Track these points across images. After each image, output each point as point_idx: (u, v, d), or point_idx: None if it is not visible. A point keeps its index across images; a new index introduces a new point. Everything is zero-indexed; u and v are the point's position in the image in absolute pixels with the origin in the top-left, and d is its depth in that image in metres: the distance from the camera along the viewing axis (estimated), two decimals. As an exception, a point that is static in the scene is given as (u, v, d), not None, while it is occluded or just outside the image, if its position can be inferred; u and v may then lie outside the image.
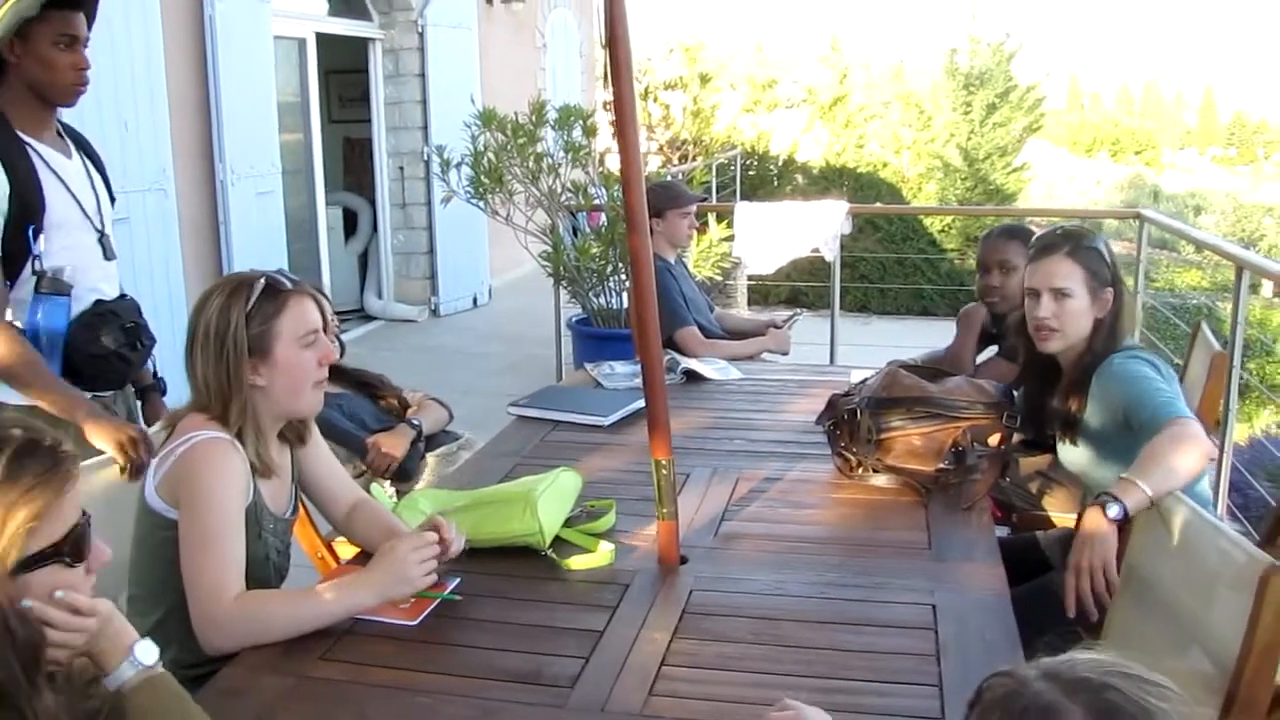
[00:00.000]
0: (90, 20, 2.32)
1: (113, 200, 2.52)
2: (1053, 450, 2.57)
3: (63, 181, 2.31)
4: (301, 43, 7.50)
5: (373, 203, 8.73)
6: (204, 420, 1.79)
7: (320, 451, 2.05)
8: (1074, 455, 2.42)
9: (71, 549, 1.19)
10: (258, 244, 6.35)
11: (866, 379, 2.50)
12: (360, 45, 8.34)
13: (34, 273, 2.24)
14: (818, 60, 18.91)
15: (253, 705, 1.48)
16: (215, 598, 1.64)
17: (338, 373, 2.91)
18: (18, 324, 2.21)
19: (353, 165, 9.20)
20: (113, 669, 1.27)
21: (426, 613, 1.73)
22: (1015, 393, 2.60)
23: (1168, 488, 1.94)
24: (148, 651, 1.29)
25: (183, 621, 1.67)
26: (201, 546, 1.68)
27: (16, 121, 2.26)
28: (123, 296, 2.46)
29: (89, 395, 2.27)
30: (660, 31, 16.46)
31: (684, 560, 1.95)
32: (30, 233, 2.21)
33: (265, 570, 1.87)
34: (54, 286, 2.24)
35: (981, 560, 1.96)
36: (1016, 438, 2.48)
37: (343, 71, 8.84)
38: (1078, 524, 2.02)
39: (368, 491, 2.79)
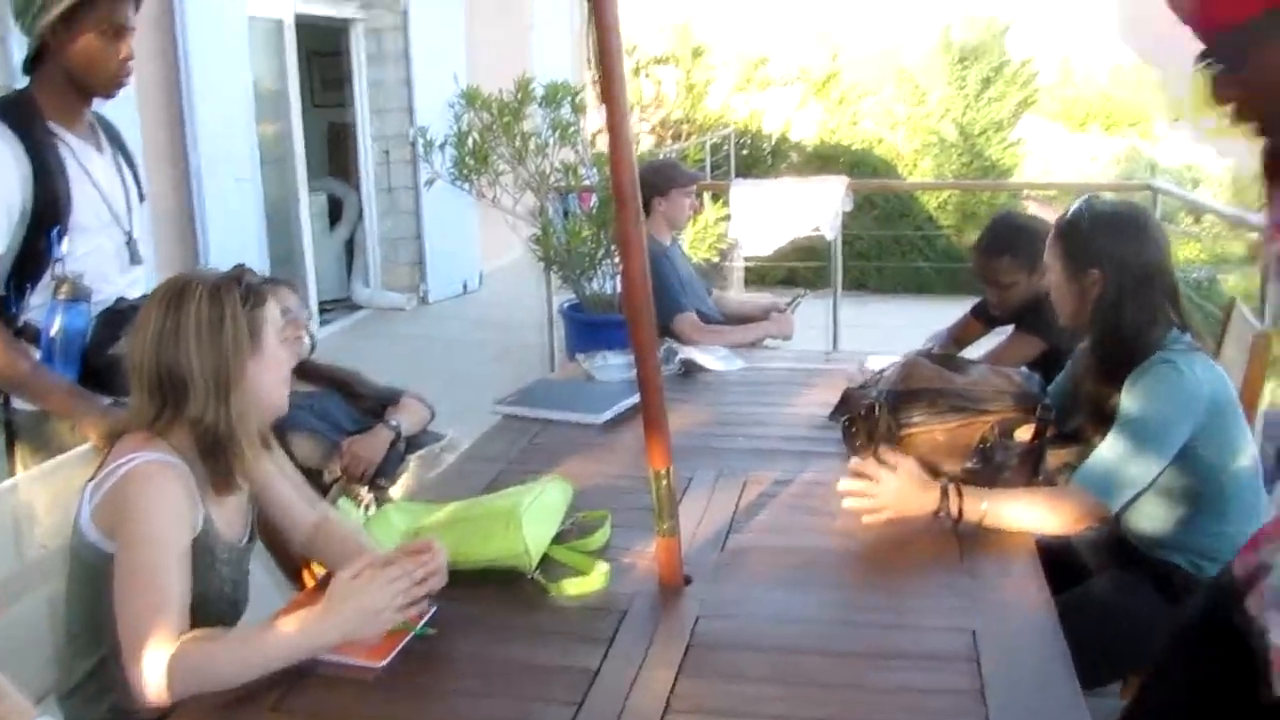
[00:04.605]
0: (137, 7, 2.13)
1: (142, 198, 2.33)
2: (1080, 442, 2.37)
3: (92, 180, 2.14)
4: (279, 24, 7.22)
5: (358, 188, 8.49)
6: (145, 439, 1.58)
7: (279, 463, 1.84)
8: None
9: None
10: (235, 234, 6.13)
11: (884, 369, 2.29)
12: (341, 26, 8.07)
13: (53, 277, 2.07)
14: (813, 36, 18.72)
15: (190, 772, 1.27)
16: (151, 647, 1.41)
17: (308, 370, 2.70)
18: (34, 326, 2.09)
19: (337, 151, 8.94)
20: None
21: (395, 651, 1.52)
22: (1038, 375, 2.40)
23: (999, 525, 1.89)
24: None
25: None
26: (135, 588, 1.46)
27: (49, 112, 2.09)
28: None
29: (110, 400, 2.10)
30: (650, 12, 16.16)
31: (688, 581, 1.74)
32: (54, 234, 2.06)
33: (219, 606, 1.66)
34: (73, 292, 2.07)
35: (1020, 574, 1.76)
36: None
37: (325, 54, 8.57)
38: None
39: (343, 498, 2.59)
